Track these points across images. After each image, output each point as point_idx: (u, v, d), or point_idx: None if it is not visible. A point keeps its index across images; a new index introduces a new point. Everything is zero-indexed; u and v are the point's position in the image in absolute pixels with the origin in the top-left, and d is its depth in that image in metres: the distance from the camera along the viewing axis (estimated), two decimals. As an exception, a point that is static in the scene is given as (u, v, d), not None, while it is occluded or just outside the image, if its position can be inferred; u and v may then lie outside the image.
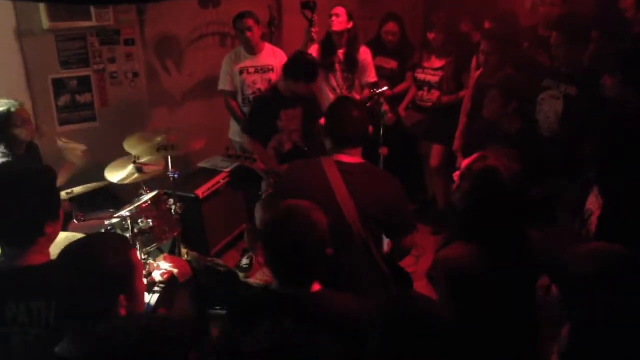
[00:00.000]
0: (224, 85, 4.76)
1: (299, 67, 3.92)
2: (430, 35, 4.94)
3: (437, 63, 4.98)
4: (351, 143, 2.76)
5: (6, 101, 3.55)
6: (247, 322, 1.84)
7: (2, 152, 3.43)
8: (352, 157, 2.75)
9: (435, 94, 5.00)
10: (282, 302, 1.92)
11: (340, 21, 4.64)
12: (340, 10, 4.67)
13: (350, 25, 4.67)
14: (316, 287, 1.97)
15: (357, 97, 4.73)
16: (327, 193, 2.61)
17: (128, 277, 1.67)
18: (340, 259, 2.59)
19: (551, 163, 3.58)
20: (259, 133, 4.14)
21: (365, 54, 4.80)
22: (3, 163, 3.36)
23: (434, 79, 4.98)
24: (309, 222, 1.93)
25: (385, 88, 4.41)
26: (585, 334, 1.58)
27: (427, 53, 5.06)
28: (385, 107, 4.30)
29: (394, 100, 5.30)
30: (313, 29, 4.36)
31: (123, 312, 1.62)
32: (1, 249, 1.90)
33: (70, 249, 1.63)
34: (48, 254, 1.89)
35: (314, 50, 4.70)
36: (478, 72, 4.37)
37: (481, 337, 1.91)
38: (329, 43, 4.76)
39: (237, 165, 4.84)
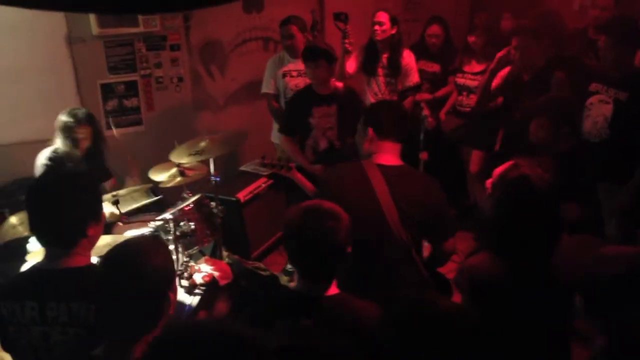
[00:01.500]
0: (267, 88, 4.80)
1: (307, 50, 3.99)
2: (471, 39, 4.87)
3: (478, 67, 4.90)
4: (391, 135, 2.75)
5: (76, 111, 3.73)
6: (265, 321, 1.85)
7: (63, 151, 3.60)
8: (392, 159, 2.74)
9: (474, 98, 4.93)
10: (300, 302, 1.93)
11: (383, 29, 4.60)
12: (383, 18, 4.62)
13: (394, 30, 4.63)
14: (334, 289, 1.98)
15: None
16: (369, 196, 2.61)
17: (172, 273, 1.72)
18: (379, 261, 2.60)
19: (601, 169, 3.48)
20: (293, 131, 4.18)
21: (408, 57, 4.76)
22: (50, 167, 3.50)
23: (473, 83, 4.90)
24: (328, 220, 1.94)
25: (417, 82, 4.38)
26: (623, 349, 1.52)
27: (468, 57, 4.99)
28: (425, 112, 4.25)
29: (436, 105, 5.25)
30: (346, 41, 4.35)
31: (172, 311, 1.66)
32: (45, 250, 1.96)
33: (112, 254, 1.66)
34: (89, 256, 1.94)
35: (351, 61, 4.66)
36: (506, 70, 4.27)
37: (499, 347, 1.86)
38: (372, 48, 4.73)
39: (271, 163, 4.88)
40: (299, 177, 3.19)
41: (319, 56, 3.89)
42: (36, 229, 1.94)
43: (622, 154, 3.43)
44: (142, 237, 1.94)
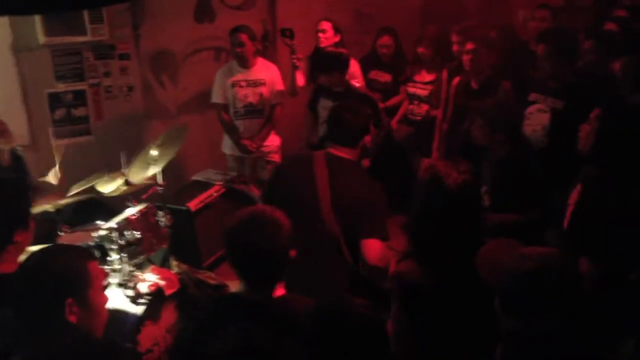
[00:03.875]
0: (216, 98, 4.82)
1: (322, 61, 4.32)
2: (420, 49, 4.98)
3: (428, 77, 5.01)
4: (341, 140, 2.87)
5: None
6: (212, 325, 1.85)
7: None
8: (344, 153, 2.84)
9: (425, 107, 5.03)
10: (246, 305, 1.95)
11: (326, 37, 4.68)
12: (326, 25, 4.70)
13: (338, 38, 4.70)
14: (280, 291, 2.01)
15: None
16: (309, 183, 2.73)
17: (76, 281, 1.70)
18: (308, 246, 2.61)
19: (541, 178, 3.58)
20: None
21: (353, 65, 4.82)
22: None
23: (423, 92, 5.01)
24: (271, 225, 1.97)
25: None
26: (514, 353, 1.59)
27: (418, 67, 5.09)
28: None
29: (388, 114, 5.33)
30: (294, 56, 4.41)
31: (73, 319, 1.66)
32: None
33: (27, 257, 1.67)
34: (17, 263, 1.91)
35: (300, 75, 4.72)
36: (456, 79, 4.39)
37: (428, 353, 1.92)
38: (316, 58, 4.80)
39: (230, 178, 4.89)
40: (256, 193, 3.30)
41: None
42: None
43: (559, 162, 3.53)
44: (66, 245, 1.92)
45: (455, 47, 4.60)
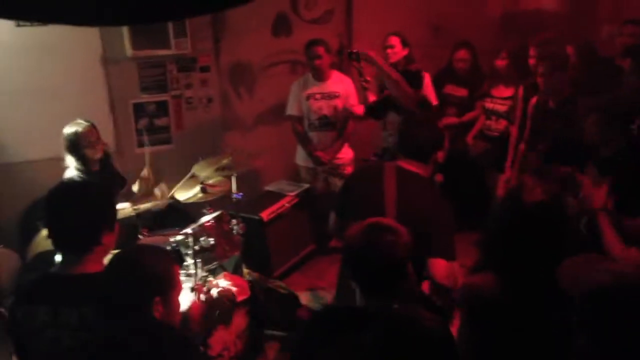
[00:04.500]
0: (291, 110, 4.91)
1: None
2: (498, 62, 4.89)
3: (506, 92, 4.90)
4: (413, 154, 2.82)
5: (77, 122, 3.81)
6: (327, 336, 1.86)
7: (78, 169, 3.69)
8: (414, 167, 2.80)
9: (503, 123, 4.91)
10: (364, 317, 1.92)
11: (395, 52, 4.64)
12: (394, 41, 4.66)
13: (406, 52, 4.67)
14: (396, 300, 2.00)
15: None
16: (377, 195, 2.71)
17: (164, 280, 1.80)
18: None
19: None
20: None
21: (425, 78, 4.77)
22: (70, 178, 3.61)
23: (502, 108, 4.90)
24: (387, 235, 2.00)
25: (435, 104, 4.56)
26: None
27: (496, 81, 4.99)
28: None
29: (463, 129, 5.26)
30: (362, 79, 4.40)
31: (158, 315, 1.75)
32: (61, 256, 2.05)
33: (116, 254, 1.78)
34: (103, 264, 2.01)
35: (371, 94, 4.70)
36: (534, 99, 4.26)
37: None
38: None
39: (304, 189, 4.96)
40: None
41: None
42: (52, 235, 2.03)
43: None
44: (153, 246, 2.01)
45: (532, 61, 4.49)
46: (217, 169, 3.70)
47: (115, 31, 4.82)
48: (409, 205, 2.65)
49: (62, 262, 2.03)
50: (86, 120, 3.82)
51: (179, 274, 1.89)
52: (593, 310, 1.57)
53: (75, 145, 3.70)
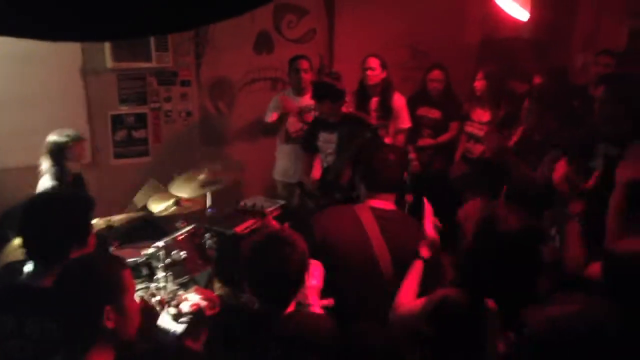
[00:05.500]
0: (268, 118, 4.96)
1: (315, 89, 4.23)
2: (475, 84, 4.97)
3: (484, 116, 4.98)
4: (386, 189, 2.78)
5: (70, 132, 3.81)
6: (229, 340, 1.98)
7: (53, 177, 3.69)
8: (385, 203, 2.77)
9: (480, 148, 4.99)
10: (263, 321, 2.03)
11: (375, 74, 4.73)
12: (374, 63, 4.75)
13: (385, 74, 4.75)
14: (291, 307, 2.09)
15: (390, 141, 4.76)
16: (362, 240, 2.63)
17: (113, 289, 1.79)
18: (368, 306, 2.62)
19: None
20: (308, 149, 4.49)
21: (399, 100, 4.86)
22: (47, 189, 3.60)
23: (480, 132, 4.97)
24: (288, 246, 2.06)
25: (409, 126, 4.56)
26: None
27: (473, 105, 5.08)
28: (411, 155, 4.33)
29: (437, 151, 5.33)
30: None
31: (111, 325, 1.74)
32: (32, 266, 2.05)
33: (65, 266, 1.79)
34: None
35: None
36: (518, 133, 4.34)
37: None
38: (362, 92, 4.87)
39: (279, 206, 4.97)
40: (274, 225, 3.16)
41: (323, 97, 4.12)
42: (24, 244, 2.04)
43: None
44: (103, 255, 2.02)
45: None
46: (195, 186, 3.70)
47: (96, 42, 4.83)
48: (400, 249, 2.62)
49: (32, 272, 2.04)
50: (74, 134, 3.82)
51: (131, 278, 1.88)
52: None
53: (58, 154, 3.72)
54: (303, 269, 2.09)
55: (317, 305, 2.36)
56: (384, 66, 4.77)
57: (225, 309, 2.37)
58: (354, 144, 4.09)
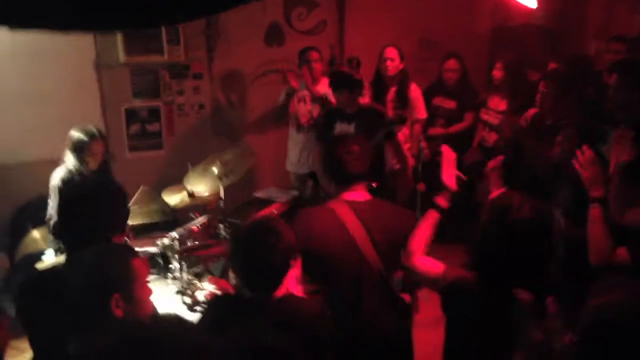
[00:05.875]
0: (280, 102, 5.05)
1: (333, 78, 4.20)
2: (495, 73, 4.97)
3: (501, 105, 4.98)
4: (356, 180, 2.73)
5: (91, 129, 3.88)
6: (218, 326, 1.99)
7: (75, 169, 3.76)
8: (358, 194, 2.72)
9: (494, 136, 4.99)
10: (251, 306, 2.04)
11: (394, 65, 4.74)
12: (393, 54, 4.76)
13: (403, 65, 4.76)
14: (280, 292, 2.09)
15: (407, 132, 4.77)
16: (345, 236, 2.61)
17: (121, 277, 1.83)
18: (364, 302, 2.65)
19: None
20: (325, 139, 4.32)
21: (415, 91, 4.88)
22: (85, 178, 3.70)
23: (494, 120, 4.97)
24: (274, 233, 2.07)
25: (425, 117, 4.58)
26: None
27: (492, 93, 5.07)
28: (422, 144, 4.34)
29: (450, 140, 5.32)
30: None
31: (119, 312, 1.79)
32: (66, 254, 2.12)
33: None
34: None
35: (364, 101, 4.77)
36: (531, 112, 4.33)
37: None
38: (380, 83, 4.87)
39: (294, 196, 5.01)
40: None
41: (341, 87, 4.11)
42: (65, 231, 2.10)
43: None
44: (114, 244, 2.07)
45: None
46: (208, 180, 3.76)
47: (108, 37, 4.89)
48: (382, 237, 2.62)
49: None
50: (93, 132, 3.88)
51: (143, 266, 1.92)
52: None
53: (78, 150, 3.80)
54: (289, 257, 2.09)
55: (298, 291, 2.36)
56: (402, 57, 4.79)
57: (218, 297, 2.38)
58: (371, 140, 4.08)
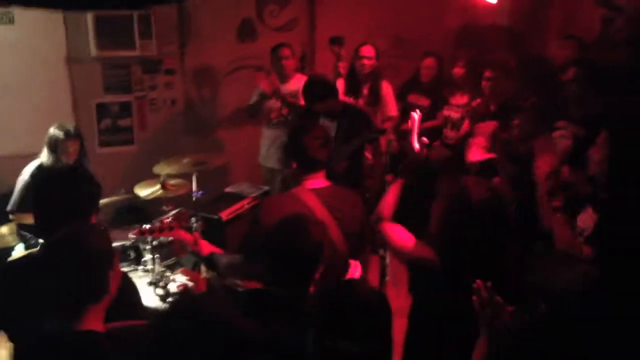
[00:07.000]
0: (252, 101, 5.07)
1: (307, 92, 4.11)
2: (455, 71, 5.08)
3: (462, 100, 5.08)
4: (320, 167, 2.85)
5: (67, 127, 3.90)
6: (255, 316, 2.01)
7: (48, 165, 3.79)
8: (319, 181, 2.85)
9: (454, 134, 5.08)
10: (276, 302, 2.08)
11: (371, 64, 4.82)
12: (370, 52, 4.84)
13: (377, 63, 4.86)
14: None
15: None
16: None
17: (111, 255, 1.89)
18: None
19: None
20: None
21: (387, 88, 4.97)
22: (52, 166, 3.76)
23: (456, 115, 5.07)
24: (308, 230, 2.15)
25: (396, 115, 4.68)
26: None
27: (453, 90, 5.18)
28: (391, 136, 4.44)
29: (421, 137, 5.41)
30: (340, 64, 4.58)
31: (113, 288, 1.85)
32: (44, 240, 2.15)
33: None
34: None
35: (339, 84, 4.88)
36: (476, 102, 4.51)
37: None
38: (353, 77, 4.95)
39: (265, 191, 5.06)
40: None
41: (312, 99, 4.10)
42: (39, 221, 2.15)
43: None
44: (80, 225, 2.13)
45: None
46: (180, 166, 3.80)
47: (80, 31, 4.88)
48: (347, 221, 2.76)
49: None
50: (74, 128, 3.94)
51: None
52: None
53: (53, 147, 3.85)
54: (320, 252, 2.18)
55: None
56: (377, 55, 4.88)
57: (247, 291, 2.41)
58: (354, 139, 4.16)
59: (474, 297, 1.95)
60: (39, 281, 1.86)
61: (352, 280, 2.34)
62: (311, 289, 2.17)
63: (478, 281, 1.95)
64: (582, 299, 1.86)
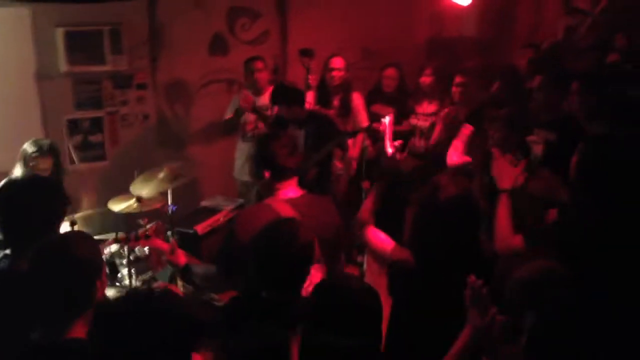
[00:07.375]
0: (227, 115, 5.07)
1: (273, 92, 4.29)
2: (421, 79, 5.14)
3: (429, 108, 5.13)
4: (292, 175, 2.86)
5: (39, 143, 3.86)
6: (234, 324, 2.04)
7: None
8: (294, 190, 2.86)
9: (422, 143, 5.12)
10: (267, 307, 2.08)
11: (340, 75, 4.88)
12: (340, 64, 4.90)
13: (347, 75, 4.92)
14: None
15: (350, 140, 4.89)
16: None
17: (100, 263, 1.90)
18: None
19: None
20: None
21: (357, 99, 5.02)
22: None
23: (425, 124, 5.12)
24: (295, 235, 2.16)
25: (367, 125, 4.67)
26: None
27: (420, 98, 5.24)
28: (367, 142, 4.49)
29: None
30: (310, 76, 4.63)
31: (100, 295, 1.85)
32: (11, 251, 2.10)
33: (44, 246, 1.84)
34: None
35: (310, 96, 4.92)
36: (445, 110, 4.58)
37: None
38: (323, 89, 5.00)
39: (240, 204, 5.06)
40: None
41: (278, 100, 4.26)
42: (4, 230, 2.10)
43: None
44: (67, 232, 2.09)
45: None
46: (155, 184, 3.78)
47: (49, 46, 4.83)
48: (322, 230, 2.69)
49: (11, 256, 2.08)
50: (49, 145, 3.89)
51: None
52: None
53: (25, 164, 3.80)
54: (309, 255, 2.20)
55: None
56: (347, 67, 4.94)
57: (233, 297, 2.40)
58: (324, 146, 4.20)
59: (466, 291, 1.98)
60: (26, 290, 1.83)
61: (344, 276, 2.38)
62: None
63: (471, 276, 1.99)
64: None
